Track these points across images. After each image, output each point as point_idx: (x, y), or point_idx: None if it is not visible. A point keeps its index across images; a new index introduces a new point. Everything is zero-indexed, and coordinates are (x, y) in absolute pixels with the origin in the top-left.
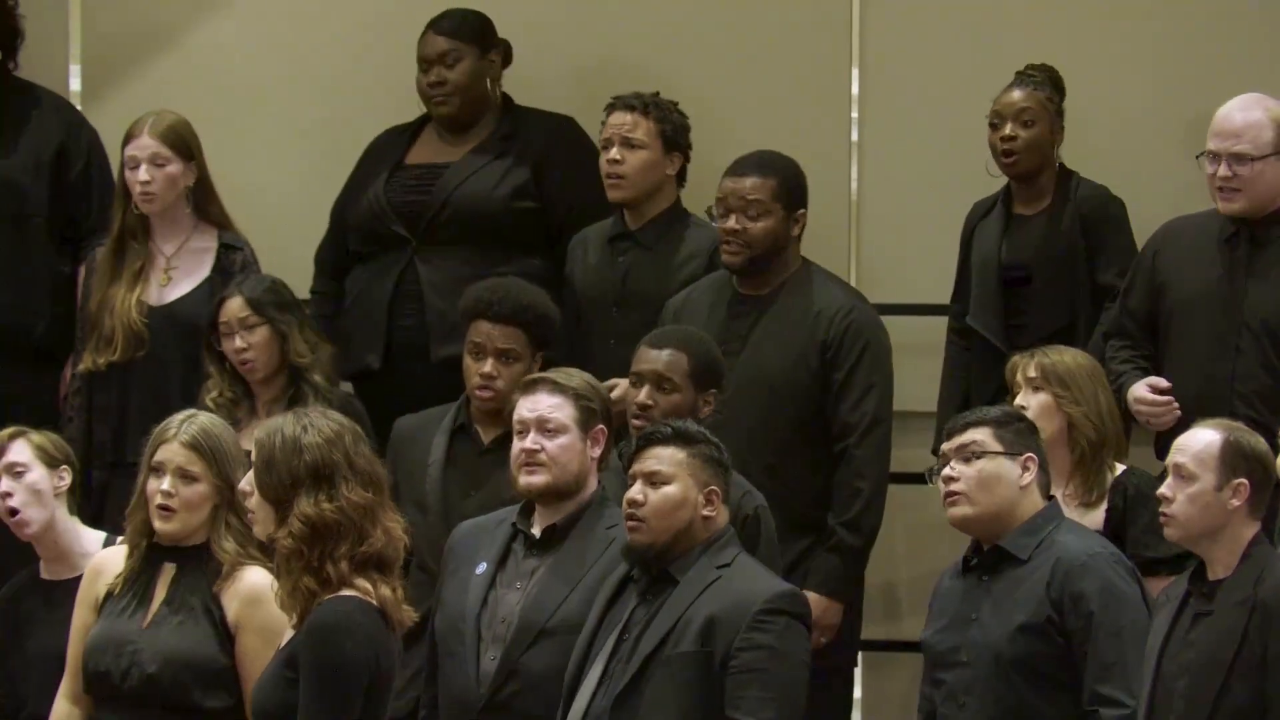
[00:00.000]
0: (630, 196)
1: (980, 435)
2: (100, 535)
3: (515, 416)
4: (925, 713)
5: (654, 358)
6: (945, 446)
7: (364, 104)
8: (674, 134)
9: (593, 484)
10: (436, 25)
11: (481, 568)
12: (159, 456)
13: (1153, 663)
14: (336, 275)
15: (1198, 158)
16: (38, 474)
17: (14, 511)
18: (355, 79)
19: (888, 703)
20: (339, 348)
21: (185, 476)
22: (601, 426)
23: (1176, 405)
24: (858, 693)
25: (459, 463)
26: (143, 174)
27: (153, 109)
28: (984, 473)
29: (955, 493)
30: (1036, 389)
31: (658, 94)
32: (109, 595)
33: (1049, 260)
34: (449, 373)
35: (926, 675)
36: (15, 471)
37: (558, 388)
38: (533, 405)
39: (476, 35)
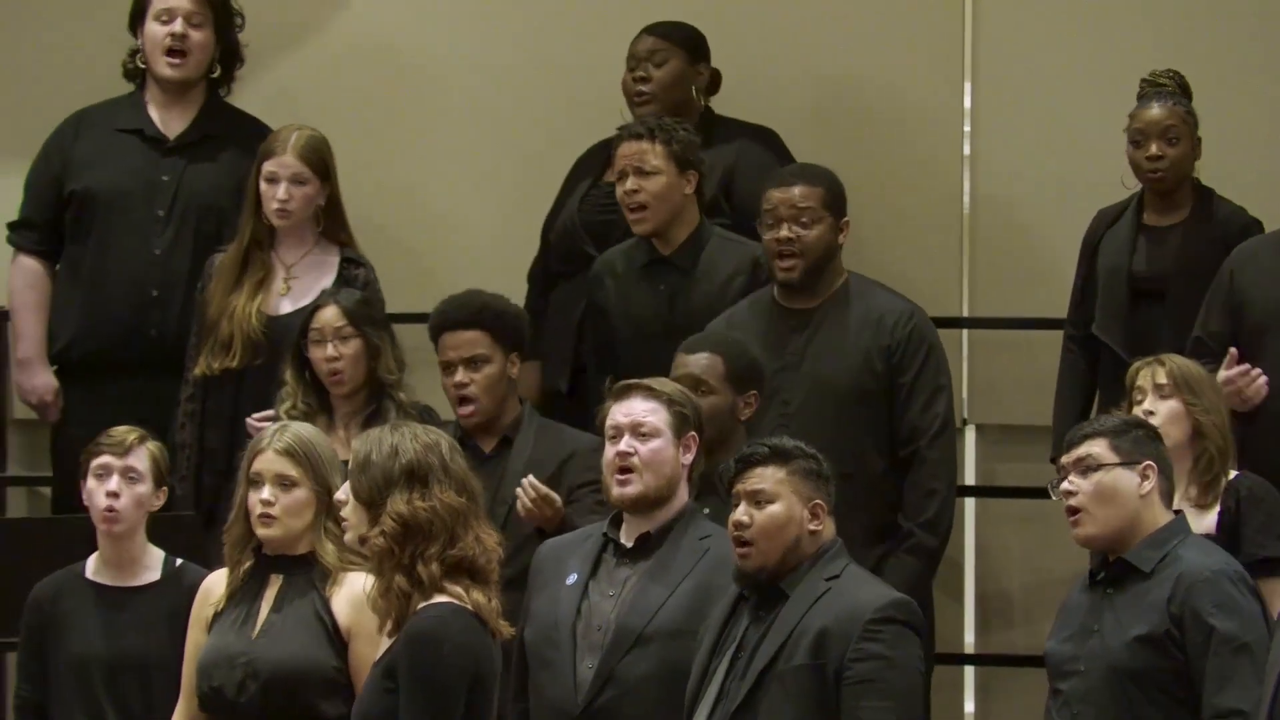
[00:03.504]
0: (656, 227)
1: (1096, 448)
2: (160, 554)
3: (609, 422)
4: None
5: (689, 362)
6: (1064, 459)
7: (539, 118)
8: (684, 152)
9: (684, 493)
10: (650, 28)
11: (572, 578)
12: (256, 467)
13: (1275, 674)
14: (545, 293)
15: None
16: (145, 489)
17: (112, 509)
18: (525, 92)
19: (1001, 718)
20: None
21: (284, 484)
22: (693, 434)
23: (1259, 372)
24: (970, 706)
25: None
26: (281, 192)
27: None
28: (1101, 486)
29: (1075, 509)
30: (1166, 396)
31: (662, 117)
32: (218, 612)
33: (1188, 275)
34: None
35: (1050, 688)
36: (130, 477)
37: (652, 393)
38: (627, 410)
39: (687, 41)
